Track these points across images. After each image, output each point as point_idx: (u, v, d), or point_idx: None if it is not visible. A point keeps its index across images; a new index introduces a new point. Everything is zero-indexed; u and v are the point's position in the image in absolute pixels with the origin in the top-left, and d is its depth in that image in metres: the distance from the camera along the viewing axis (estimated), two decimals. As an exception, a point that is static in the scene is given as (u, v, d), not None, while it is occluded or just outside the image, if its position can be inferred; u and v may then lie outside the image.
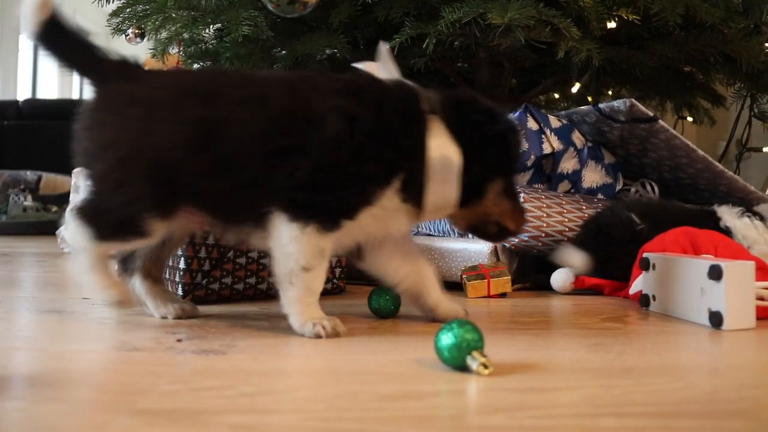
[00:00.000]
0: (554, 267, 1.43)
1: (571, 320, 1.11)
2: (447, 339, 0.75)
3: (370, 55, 1.85)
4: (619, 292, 1.36)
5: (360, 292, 1.45)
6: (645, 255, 1.21)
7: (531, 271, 1.51)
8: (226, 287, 1.29)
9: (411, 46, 1.69)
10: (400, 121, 0.97)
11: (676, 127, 2.68)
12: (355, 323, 1.07)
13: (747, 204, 1.72)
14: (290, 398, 0.67)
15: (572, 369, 0.78)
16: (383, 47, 1.09)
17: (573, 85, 2.04)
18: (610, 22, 1.69)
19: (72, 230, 1.01)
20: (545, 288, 1.46)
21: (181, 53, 2.04)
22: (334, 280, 1.42)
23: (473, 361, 0.73)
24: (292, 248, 0.94)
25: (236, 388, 0.70)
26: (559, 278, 1.43)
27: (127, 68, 1.03)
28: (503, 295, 1.37)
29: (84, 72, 1.06)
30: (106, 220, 0.99)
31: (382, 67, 1.08)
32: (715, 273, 1.02)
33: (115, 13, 1.92)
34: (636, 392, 0.69)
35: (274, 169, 0.94)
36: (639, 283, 1.24)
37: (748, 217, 1.50)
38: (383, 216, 0.98)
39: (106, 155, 0.99)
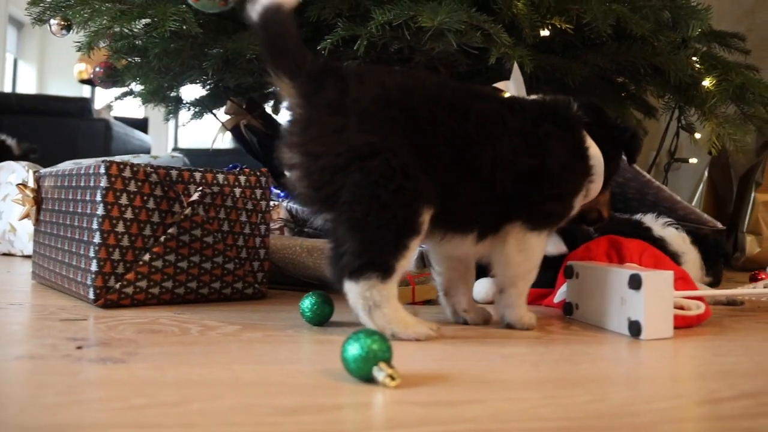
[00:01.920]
0: (481, 275, 1.42)
1: (491, 329, 1.09)
2: (353, 350, 0.72)
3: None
4: (543, 300, 1.35)
5: (283, 297, 1.42)
6: (569, 263, 1.21)
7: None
8: (141, 291, 1.23)
9: (344, 48, 1.66)
10: (577, 136, 1.11)
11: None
12: (271, 330, 1.03)
13: (673, 214, 1.75)
14: (181, 411, 0.63)
15: (483, 381, 0.75)
16: (516, 65, 1.23)
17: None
18: (544, 30, 1.69)
19: (355, 294, 0.94)
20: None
21: (107, 47, 1.96)
22: (256, 285, 1.38)
23: (379, 373, 0.71)
24: (531, 253, 1.07)
25: (127, 400, 0.66)
26: (482, 287, 1.41)
27: (337, 69, 0.99)
28: (428, 302, 1.35)
29: (294, 69, 0.96)
30: (386, 240, 0.94)
31: (514, 84, 1.23)
32: (635, 282, 1.02)
33: (34, 2, 1.83)
34: (545, 405, 0.67)
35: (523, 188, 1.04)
36: (563, 292, 1.24)
37: (675, 228, 1.53)
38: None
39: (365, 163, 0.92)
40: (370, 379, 0.71)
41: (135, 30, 1.98)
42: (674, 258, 1.46)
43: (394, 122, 0.95)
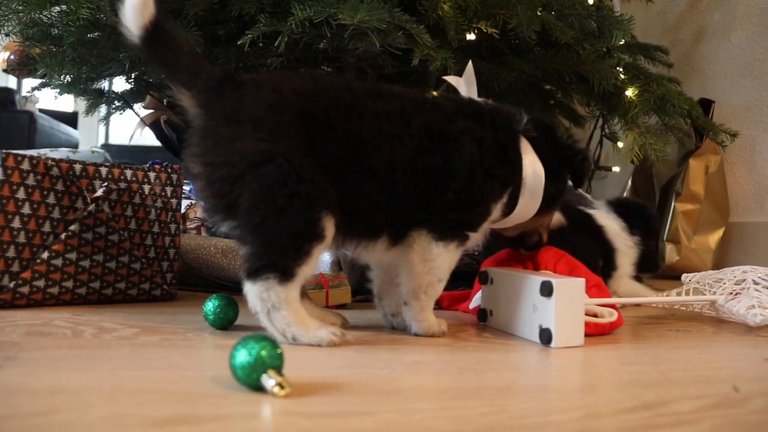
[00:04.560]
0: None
1: (401, 335, 1.06)
2: (241, 356, 0.68)
3: (228, 52, 1.78)
4: (459, 305, 1.33)
5: (193, 299, 1.36)
6: (484, 269, 1.19)
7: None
8: (38, 291, 1.16)
9: (269, 44, 1.62)
10: (508, 140, 1.07)
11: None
12: (170, 334, 0.98)
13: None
14: (44, 422, 0.58)
15: (380, 390, 0.72)
16: (470, 65, 1.19)
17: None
18: (470, 33, 1.68)
19: (254, 295, 0.92)
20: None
21: (16, 35, 1.86)
22: (165, 286, 1.32)
23: (268, 381, 0.67)
24: (436, 264, 1.02)
25: (-12, 409, 0.60)
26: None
27: (233, 78, 0.98)
28: (342, 306, 1.31)
29: (189, 81, 0.96)
30: (284, 244, 0.92)
31: (465, 83, 1.19)
32: (546, 289, 1.00)
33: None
34: (438, 417, 0.64)
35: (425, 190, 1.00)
36: (478, 298, 1.22)
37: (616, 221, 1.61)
38: (484, 227, 1.08)
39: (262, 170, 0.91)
40: (259, 388, 0.67)
41: (48, 17, 1.89)
42: (609, 245, 1.55)
43: (289, 127, 0.94)
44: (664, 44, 2.50)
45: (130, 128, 2.20)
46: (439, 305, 1.36)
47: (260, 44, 1.73)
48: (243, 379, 0.68)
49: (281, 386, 0.66)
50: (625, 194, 2.46)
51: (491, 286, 1.17)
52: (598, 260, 1.52)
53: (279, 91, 0.97)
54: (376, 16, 1.32)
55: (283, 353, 0.69)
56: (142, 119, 2.10)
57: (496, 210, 1.06)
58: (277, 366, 0.68)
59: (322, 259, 1.38)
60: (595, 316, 1.11)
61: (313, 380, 0.74)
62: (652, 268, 1.70)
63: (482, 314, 1.19)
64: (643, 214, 1.67)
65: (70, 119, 5.81)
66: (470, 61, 1.20)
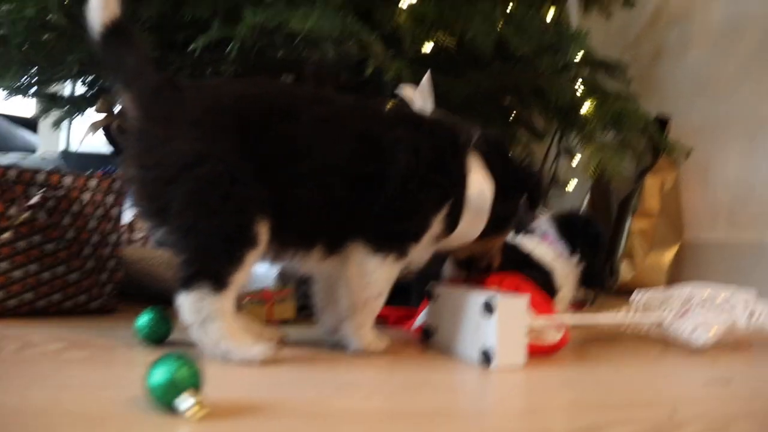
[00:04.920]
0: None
1: (341, 353, 1.03)
2: (157, 376, 0.64)
3: (183, 59, 1.74)
4: (404, 322, 1.30)
5: (135, 312, 1.31)
6: (429, 285, 1.16)
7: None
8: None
9: (223, 51, 1.58)
10: (449, 152, 1.03)
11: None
12: (99, 350, 0.94)
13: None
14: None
15: (304, 413, 0.69)
16: (426, 76, 1.16)
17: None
18: (427, 44, 1.66)
19: (187, 306, 0.89)
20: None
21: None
22: (103, 298, 1.28)
23: (184, 402, 0.63)
24: (373, 278, 0.99)
25: None
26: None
27: (174, 81, 0.96)
28: (286, 321, 1.28)
29: (131, 83, 0.95)
30: (216, 248, 0.90)
31: (420, 94, 1.16)
32: (488, 307, 0.98)
33: None
34: (359, 444, 0.61)
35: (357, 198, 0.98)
36: (424, 315, 1.19)
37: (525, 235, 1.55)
38: (426, 242, 1.04)
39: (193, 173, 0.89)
40: (176, 409, 0.64)
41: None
42: (542, 270, 1.46)
43: (225, 130, 0.92)
44: (624, 61, 2.51)
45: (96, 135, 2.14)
46: (384, 322, 1.34)
47: (214, 50, 1.69)
48: (159, 399, 0.65)
49: (197, 408, 0.63)
50: (582, 210, 2.46)
51: (436, 303, 1.14)
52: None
53: (217, 95, 0.96)
54: (328, 23, 1.30)
55: (201, 372, 0.65)
56: (92, 124, 2.04)
57: (437, 223, 1.03)
58: (195, 385, 0.65)
59: (267, 273, 1.35)
60: (540, 335, 1.10)
61: (236, 401, 0.71)
62: (598, 285, 1.66)
63: (426, 332, 1.16)
64: (589, 231, 1.59)
65: (31, 124, 5.68)
66: (429, 71, 1.18)
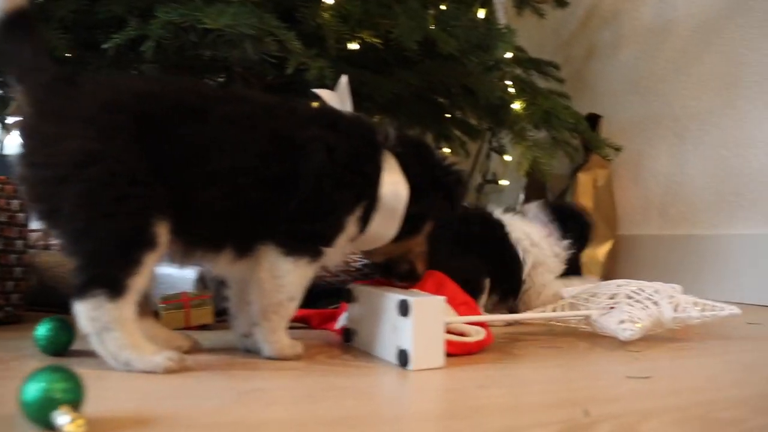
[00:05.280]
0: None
1: (254, 358, 0.99)
2: (31, 391, 0.60)
3: (100, 58, 1.68)
4: (329, 324, 1.27)
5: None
6: (349, 286, 1.14)
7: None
8: None
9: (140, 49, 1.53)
10: (365, 151, 1.02)
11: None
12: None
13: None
14: None
15: (198, 425, 0.65)
16: (343, 79, 1.12)
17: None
18: (352, 43, 1.63)
19: (84, 315, 0.84)
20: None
21: None
22: (9, 308, 1.22)
23: (60, 419, 0.59)
24: (285, 281, 0.96)
25: None
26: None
27: (71, 76, 0.90)
28: (205, 327, 1.24)
29: (25, 77, 0.89)
30: (111, 252, 0.85)
31: (338, 97, 1.11)
32: (403, 308, 0.96)
33: None
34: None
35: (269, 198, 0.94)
36: (345, 317, 1.17)
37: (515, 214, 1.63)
38: (342, 243, 1.01)
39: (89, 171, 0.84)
40: (52, 426, 0.60)
41: None
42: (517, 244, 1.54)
43: (122, 128, 0.87)
44: (558, 60, 2.53)
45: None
46: (308, 324, 1.30)
47: (132, 50, 1.64)
48: (33, 416, 0.60)
49: (75, 425, 0.59)
50: (516, 208, 2.47)
51: (356, 304, 1.11)
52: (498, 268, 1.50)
53: (116, 91, 0.91)
54: (243, 20, 1.26)
55: (80, 385, 0.61)
56: (4, 126, 1.96)
57: (351, 224, 1.00)
58: (73, 401, 0.60)
59: (186, 276, 1.30)
60: (462, 335, 1.08)
61: (127, 414, 0.67)
62: (576, 274, 1.70)
63: (347, 334, 1.13)
64: (579, 220, 1.67)
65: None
66: (344, 75, 1.15)
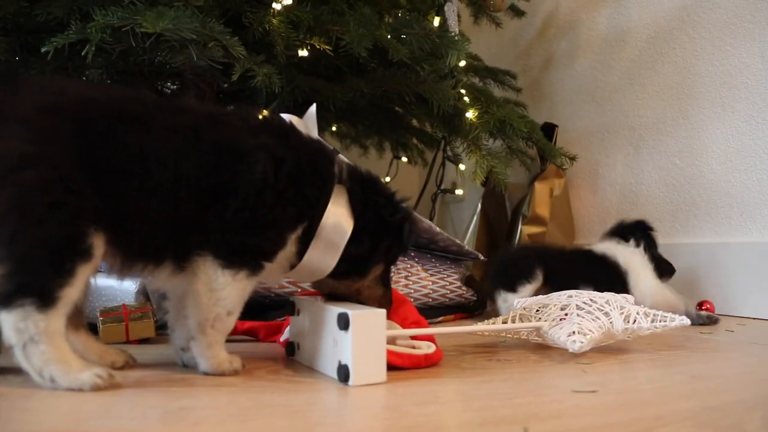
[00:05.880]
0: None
1: (190, 374, 0.95)
2: None
3: (43, 62, 1.63)
4: (275, 336, 1.23)
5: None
6: (292, 298, 1.10)
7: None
8: None
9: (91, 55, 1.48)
10: (315, 173, 0.98)
11: (391, 167, 2.71)
12: None
13: (434, 245, 1.73)
14: None
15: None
16: (312, 108, 1.11)
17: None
18: (303, 50, 1.60)
19: (10, 325, 0.79)
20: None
21: None
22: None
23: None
24: (223, 294, 0.92)
25: None
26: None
27: (11, 75, 0.87)
28: (146, 340, 1.19)
29: None
30: (41, 260, 0.80)
31: (304, 124, 1.09)
32: (343, 322, 0.92)
33: None
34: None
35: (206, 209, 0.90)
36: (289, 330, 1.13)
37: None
38: (281, 260, 0.98)
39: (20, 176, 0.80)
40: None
41: None
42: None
43: (61, 133, 0.83)
44: (516, 70, 2.53)
45: None
46: (255, 337, 1.27)
47: (73, 53, 1.59)
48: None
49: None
50: (474, 217, 2.46)
51: (298, 317, 1.08)
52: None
53: (58, 94, 0.87)
54: (184, 25, 1.22)
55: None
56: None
57: (291, 243, 0.97)
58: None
59: (127, 288, 1.26)
60: (413, 348, 1.05)
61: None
62: (670, 272, 1.90)
63: (290, 348, 1.10)
64: (642, 228, 1.90)
65: None
66: (314, 104, 1.12)
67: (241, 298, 0.95)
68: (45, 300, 0.79)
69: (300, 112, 1.77)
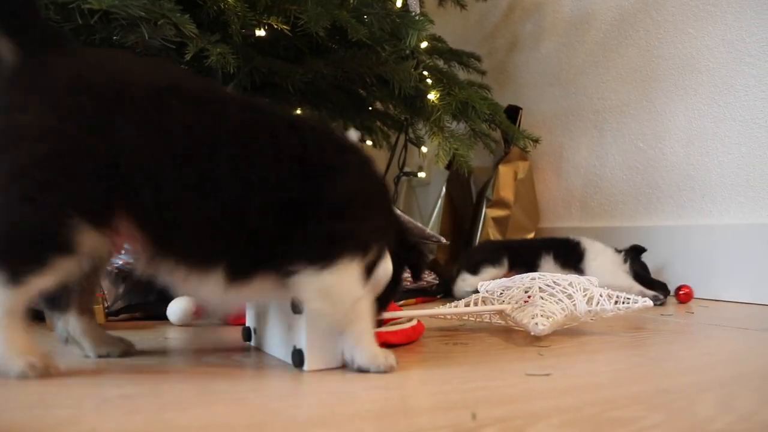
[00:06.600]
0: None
1: (138, 362, 0.92)
2: None
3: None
4: (241, 320, 1.20)
5: None
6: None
7: (144, 297, 1.32)
8: None
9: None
10: (385, 206, 0.97)
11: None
12: None
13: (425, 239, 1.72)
14: None
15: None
16: (353, 130, 1.10)
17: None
18: (260, 30, 1.56)
19: None
20: (163, 318, 1.28)
21: None
22: None
23: None
24: (336, 295, 0.86)
25: None
26: (177, 308, 1.26)
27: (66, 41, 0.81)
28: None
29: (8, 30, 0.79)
30: (18, 239, 0.76)
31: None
32: (297, 306, 0.90)
33: None
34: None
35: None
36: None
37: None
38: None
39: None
40: None
41: None
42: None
43: (81, 111, 0.78)
44: (482, 52, 2.51)
45: None
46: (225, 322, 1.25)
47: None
48: None
49: None
50: (439, 201, 2.44)
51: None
52: None
53: (97, 68, 0.81)
54: (131, 2, 1.18)
55: None
56: None
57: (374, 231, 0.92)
58: None
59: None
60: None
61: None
62: (665, 292, 1.91)
63: (246, 333, 1.07)
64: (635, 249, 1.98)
65: None
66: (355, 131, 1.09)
67: (357, 287, 0.87)
68: (11, 278, 0.76)
69: (258, 94, 1.74)
